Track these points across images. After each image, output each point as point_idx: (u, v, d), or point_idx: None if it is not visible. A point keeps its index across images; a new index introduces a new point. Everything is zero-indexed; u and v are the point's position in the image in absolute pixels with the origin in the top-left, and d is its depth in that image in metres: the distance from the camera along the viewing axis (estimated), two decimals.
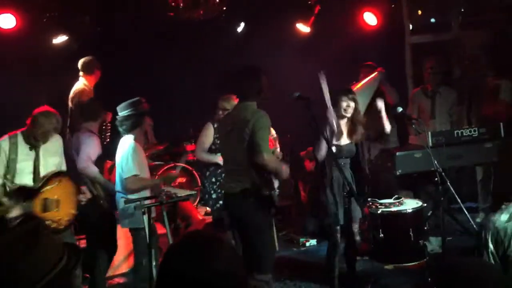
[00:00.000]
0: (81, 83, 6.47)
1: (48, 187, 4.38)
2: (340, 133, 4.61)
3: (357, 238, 4.68)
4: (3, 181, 4.31)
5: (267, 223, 4.46)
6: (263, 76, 4.32)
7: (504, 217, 2.61)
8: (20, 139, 4.36)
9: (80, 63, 6.51)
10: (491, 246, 2.59)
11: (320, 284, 5.14)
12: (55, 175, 4.48)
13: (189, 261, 1.67)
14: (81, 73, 6.49)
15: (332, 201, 4.55)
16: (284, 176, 4.30)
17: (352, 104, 4.63)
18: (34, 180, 4.37)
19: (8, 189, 4.29)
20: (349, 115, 4.64)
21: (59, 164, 4.61)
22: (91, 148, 5.01)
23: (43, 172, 4.42)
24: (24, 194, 4.25)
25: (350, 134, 4.68)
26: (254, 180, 4.18)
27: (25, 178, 4.37)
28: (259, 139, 4.09)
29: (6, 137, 4.34)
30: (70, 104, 6.44)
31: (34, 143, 4.40)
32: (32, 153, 4.39)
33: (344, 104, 4.62)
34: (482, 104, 6.65)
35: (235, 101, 5.00)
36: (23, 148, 4.36)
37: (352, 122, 4.71)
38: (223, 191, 4.65)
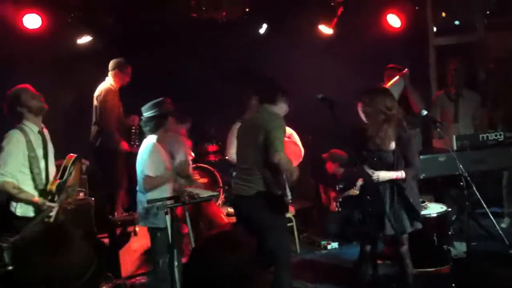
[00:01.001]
0: (107, 82, 6.55)
1: (70, 177, 4.35)
2: (374, 141, 4.33)
3: (408, 262, 4.40)
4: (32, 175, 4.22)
5: (281, 225, 4.49)
6: (283, 93, 4.51)
7: None
8: (27, 131, 4.21)
9: (111, 62, 6.62)
10: None
11: (341, 287, 5.10)
12: (74, 162, 4.41)
13: (205, 262, 1.70)
14: (110, 73, 6.58)
15: (373, 210, 4.35)
16: (295, 176, 4.28)
17: (365, 109, 4.30)
18: (45, 165, 4.30)
19: (38, 187, 4.22)
20: (364, 119, 4.32)
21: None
22: None
23: (50, 157, 4.36)
24: (59, 190, 4.23)
25: (384, 140, 4.30)
26: (266, 180, 4.23)
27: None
28: (273, 138, 4.19)
29: (17, 133, 4.17)
30: (95, 102, 6.52)
31: (38, 123, 4.30)
32: (40, 138, 4.31)
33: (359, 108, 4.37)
34: (509, 109, 6.54)
35: None
36: (34, 137, 4.25)
37: (385, 129, 4.28)
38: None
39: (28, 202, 4.16)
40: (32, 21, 6.09)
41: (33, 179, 4.21)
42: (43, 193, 4.22)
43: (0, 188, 4.11)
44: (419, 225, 4.37)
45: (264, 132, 4.24)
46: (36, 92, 4.34)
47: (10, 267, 3.87)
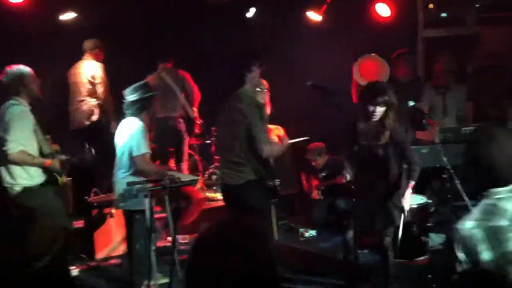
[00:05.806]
0: (93, 61, 6.62)
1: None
2: (365, 133, 4.25)
3: (390, 253, 4.39)
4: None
5: (266, 212, 4.46)
6: (256, 63, 4.30)
7: (469, 224, 2.43)
8: (24, 104, 4.43)
9: (91, 42, 6.63)
10: (461, 255, 2.44)
11: (319, 274, 5.12)
12: None
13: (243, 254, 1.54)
14: (93, 51, 6.63)
15: (355, 204, 4.36)
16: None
17: (380, 109, 4.11)
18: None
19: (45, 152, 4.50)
20: (376, 119, 4.17)
21: None
22: None
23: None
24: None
25: (377, 135, 4.22)
26: (257, 171, 4.15)
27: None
28: (256, 132, 4.10)
29: (20, 106, 4.39)
30: (91, 80, 6.55)
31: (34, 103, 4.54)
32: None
33: (370, 108, 4.12)
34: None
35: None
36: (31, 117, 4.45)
37: (382, 124, 4.19)
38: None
39: (41, 166, 4.41)
40: None
41: (40, 146, 4.46)
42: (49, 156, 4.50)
43: (16, 158, 4.28)
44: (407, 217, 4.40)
45: (246, 125, 4.13)
46: (35, 77, 4.55)
47: None
